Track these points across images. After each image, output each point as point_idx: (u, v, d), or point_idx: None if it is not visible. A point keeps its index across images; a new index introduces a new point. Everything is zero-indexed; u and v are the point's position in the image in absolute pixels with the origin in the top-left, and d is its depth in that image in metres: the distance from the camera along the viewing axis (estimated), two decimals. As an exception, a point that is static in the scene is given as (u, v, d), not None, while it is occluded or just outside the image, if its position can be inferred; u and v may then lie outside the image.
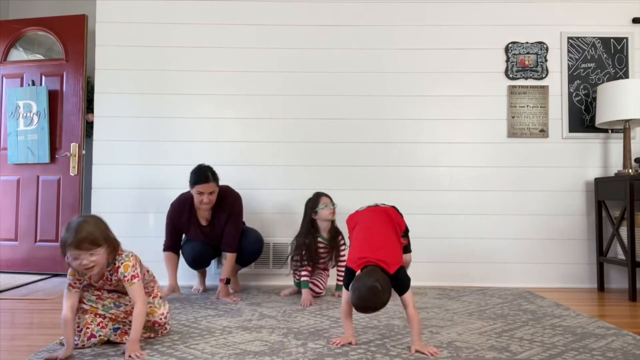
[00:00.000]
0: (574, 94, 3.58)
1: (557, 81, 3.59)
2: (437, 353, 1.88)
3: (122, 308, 2.02)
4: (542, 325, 2.34)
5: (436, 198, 3.55)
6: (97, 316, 1.99)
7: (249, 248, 3.10)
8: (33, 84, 3.98)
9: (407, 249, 2.57)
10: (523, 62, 3.59)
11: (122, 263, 1.96)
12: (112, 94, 3.59)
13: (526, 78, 3.59)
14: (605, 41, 3.59)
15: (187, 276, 3.38)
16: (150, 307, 2.06)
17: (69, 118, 3.91)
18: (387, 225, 2.08)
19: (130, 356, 1.82)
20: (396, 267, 1.91)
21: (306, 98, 3.60)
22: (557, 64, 3.60)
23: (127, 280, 1.95)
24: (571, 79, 3.59)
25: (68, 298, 1.91)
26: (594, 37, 3.59)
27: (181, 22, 3.60)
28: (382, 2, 3.61)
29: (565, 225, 3.54)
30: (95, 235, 1.88)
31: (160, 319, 2.10)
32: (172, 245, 3.06)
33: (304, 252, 2.95)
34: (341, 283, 2.61)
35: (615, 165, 3.52)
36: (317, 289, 2.99)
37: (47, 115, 3.89)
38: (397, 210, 2.24)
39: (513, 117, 3.57)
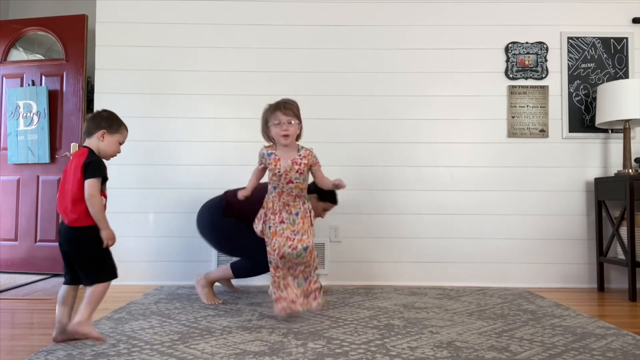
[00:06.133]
0: (574, 94, 3.58)
1: (557, 81, 3.59)
2: None
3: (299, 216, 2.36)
4: (542, 325, 2.34)
5: (436, 198, 3.55)
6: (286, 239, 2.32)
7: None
8: (33, 84, 3.98)
9: None
10: (523, 62, 3.59)
11: (313, 150, 2.38)
12: (112, 94, 3.59)
13: (526, 78, 3.59)
14: (605, 41, 3.59)
15: (188, 275, 3.38)
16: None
17: (69, 118, 3.91)
18: None
19: None
20: None
21: (306, 98, 3.58)
22: (557, 64, 3.60)
23: (318, 163, 2.37)
24: (571, 79, 3.59)
25: (256, 175, 2.44)
26: (594, 37, 3.59)
27: (181, 22, 3.61)
28: (382, 2, 3.61)
29: (565, 225, 3.54)
30: (297, 111, 2.38)
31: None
32: None
33: None
34: None
35: (615, 165, 3.52)
36: None
37: (47, 115, 3.89)
38: None
39: (513, 117, 3.57)
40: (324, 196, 2.92)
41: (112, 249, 2.06)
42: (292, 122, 2.31)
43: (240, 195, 2.42)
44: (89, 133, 2.12)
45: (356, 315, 2.51)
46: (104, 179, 2.08)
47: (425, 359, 1.82)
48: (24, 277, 3.71)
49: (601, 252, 3.43)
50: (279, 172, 2.31)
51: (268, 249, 2.35)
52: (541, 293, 3.22)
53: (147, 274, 3.49)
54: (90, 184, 1.99)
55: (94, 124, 2.12)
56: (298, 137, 2.39)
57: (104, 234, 2.02)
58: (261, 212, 2.42)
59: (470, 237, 3.54)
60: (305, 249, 2.31)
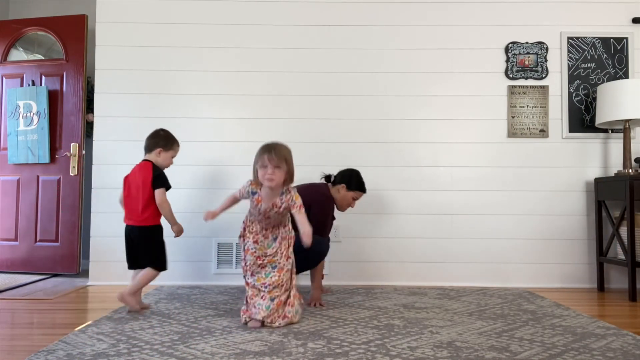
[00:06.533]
0: (574, 94, 3.58)
1: (557, 81, 3.59)
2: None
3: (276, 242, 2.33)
4: (542, 325, 2.34)
5: (436, 198, 3.55)
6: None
7: None
8: (33, 84, 3.98)
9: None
10: (523, 62, 3.59)
11: (294, 193, 2.30)
12: (112, 94, 3.59)
13: (526, 78, 3.59)
14: (605, 41, 3.59)
15: (188, 275, 3.37)
16: None
17: (69, 118, 3.91)
18: None
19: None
20: None
21: (306, 98, 3.60)
22: (557, 64, 3.60)
23: (297, 207, 2.28)
24: (571, 79, 3.59)
25: (230, 200, 2.39)
26: (594, 37, 3.59)
27: (181, 22, 3.61)
28: (382, 2, 3.61)
29: (565, 225, 3.54)
30: (287, 157, 2.27)
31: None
32: None
33: None
34: None
35: (615, 165, 3.52)
36: None
37: (47, 115, 3.89)
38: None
39: (513, 117, 3.57)
40: (352, 185, 2.96)
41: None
42: (280, 167, 2.23)
43: (208, 216, 2.36)
44: (149, 149, 2.67)
45: (356, 315, 2.51)
46: (168, 188, 2.60)
47: (425, 359, 1.82)
48: (24, 277, 3.70)
49: (601, 252, 3.43)
50: (258, 210, 2.30)
51: (242, 263, 2.38)
52: (541, 293, 3.22)
53: (147, 274, 3.48)
54: (160, 193, 2.55)
55: (152, 142, 2.67)
56: (286, 182, 2.29)
57: (174, 229, 2.61)
58: (242, 227, 2.39)
59: (470, 237, 3.54)
60: (274, 267, 2.31)
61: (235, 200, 2.41)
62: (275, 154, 2.22)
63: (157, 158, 2.65)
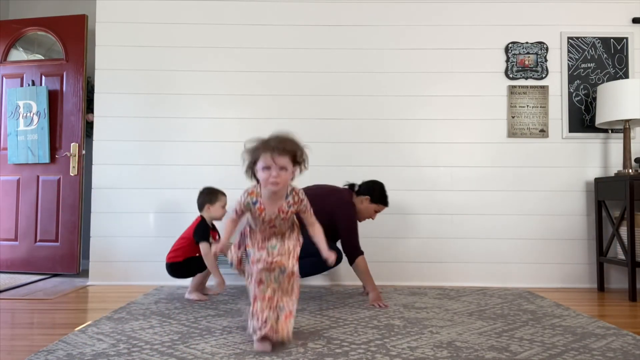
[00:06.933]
0: (574, 94, 3.58)
1: (557, 81, 3.59)
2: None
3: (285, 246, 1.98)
4: (542, 325, 2.34)
5: (436, 198, 3.55)
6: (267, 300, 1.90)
7: None
8: (33, 84, 3.98)
9: None
10: (523, 62, 3.59)
11: (302, 194, 1.97)
12: (112, 94, 3.59)
13: (526, 78, 3.59)
14: (605, 41, 3.59)
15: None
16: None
17: (69, 118, 3.91)
18: None
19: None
20: None
21: (306, 98, 3.60)
22: (557, 64, 3.60)
23: (310, 211, 1.98)
24: (571, 79, 3.59)
25: (230, 227, 1.99)
26: (594, 37, 3.59)
27: (181, 22, 3.61)
28: (382, 2, 3.61)
29: (565, 225, 3.54)
30: (295, 151, 1.86)
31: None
32: None
33: None
34: None
35: (615, 165, 3.52)
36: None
37: (47, 115, 3.89)
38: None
39: (513, 117, 3.57)
40: (375, 198, 2.95)
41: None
42: (287, 168, 1.84)
43: (216, 250, 2.01)
44: (200, 209, 3.00)
45: (356, 315, 2.51)
46: (207, 239, 2.88)
47: (425, 359, 1.82)
48: (24, 277, 3.70)
49: (601, 252, 3.43)
50: (262, 219, 1.95)
51: (247, 267, 2.01)
52: (541, 293, 3.22)
53: (147, 274, 3.48)
54: (200, 246, 2.87)
55: (200, 201, 3.00)
56: (294, 176, 1.94)
57: (216, 282, 2.86)
58: (238, 239, 2.07)
59: (470, 237, 3.54)
60: (283, 271, 1.93)
61: (234, 225, 2.02)
62: (280, 152, 1.82)
63: (207, 213, 2.97)
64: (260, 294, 1.90)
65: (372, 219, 3.06)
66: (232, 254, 2.04)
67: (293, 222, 2.07)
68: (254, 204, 1.94)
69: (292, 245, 2.00)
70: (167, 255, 2.98)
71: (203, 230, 2.89)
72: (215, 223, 3.04)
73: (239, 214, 1.99)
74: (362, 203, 2.95)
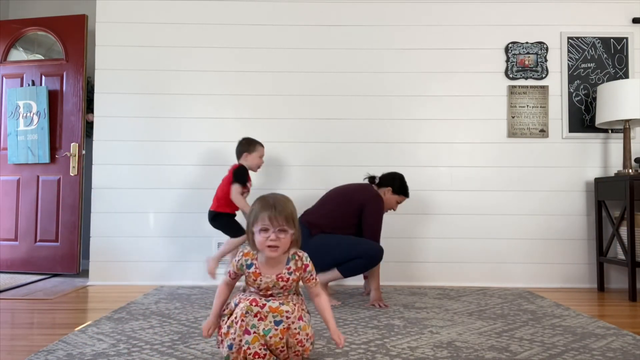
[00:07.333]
0: (574, 94, 3.59)
1: (557, 81, 3.59)
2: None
3: (282, 325, 1.63)
4: (542, 325, 2.34)
5: (436, 198, 3.55)
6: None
7: None
8: (33, 84, 3.98)
9: None
10: (523, 62, 3.60)
11: (307, 259, 1.75)
12: (112, 94, 3.59)
13: (526, 78, 3.59)
14: (605, 41, 3.59)
15: (188, 275, 3.37)
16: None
17: (69, 118, 3.91)
18: None
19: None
20: None
21: (306, 98, 3.60)
22: (557, 64, 3.60)
23: (315, 281, 1.76)
24: (571, 79, 3.59)
25: (223, 291, 1.75)
26: (594, 37, 3.59)
27: (181, 22, 3.61)
28: (382, 2, 3.61)
29: (565, 225, 3.54)
30: (294, 214, 1.69)
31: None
32: None
33: None
34: None
35: (615, 165, 3.52)
36: None
37: (47, 115, 3.89)
38: None
39: (513, 117, 3.57)
40: (397, 189, 2.99)
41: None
42: (285, 230, 1.65)
43: (206, 331, 1.73)
44: (238, 156, 3.12)
45: (356, 315, 2.51)
46: (244, 183, 3.02)
47: (425, 359, 1.82)
48: (24, 277, 3.70)
49: (601, 252, 3.43)
50: (258, 286, 1.72)
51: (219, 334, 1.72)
52: (541, 293, 3.22)
53: (147, 274, 3.49)
54: (232, 187, 2.99)
55: (238, 150, 3.13)
56: (292, 244, 1.71)
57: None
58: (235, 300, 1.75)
59: (470, 237, 3.54)
60: (279, 322, 1.63)
61: (228, 290, 1.79)
62: (279, 213, 1.64)
63: (245, 161, 3.09)
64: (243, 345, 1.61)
65: (394, 209, 3.08)
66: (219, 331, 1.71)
67: (295, 292, 1.80)
68: (249, 267, 1.72)
69: (296, 303, 1.73)
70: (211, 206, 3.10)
71: (241, 174, 3.01)
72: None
73: (233, 277, 1.77)
74: (385, 195, 2.99)
